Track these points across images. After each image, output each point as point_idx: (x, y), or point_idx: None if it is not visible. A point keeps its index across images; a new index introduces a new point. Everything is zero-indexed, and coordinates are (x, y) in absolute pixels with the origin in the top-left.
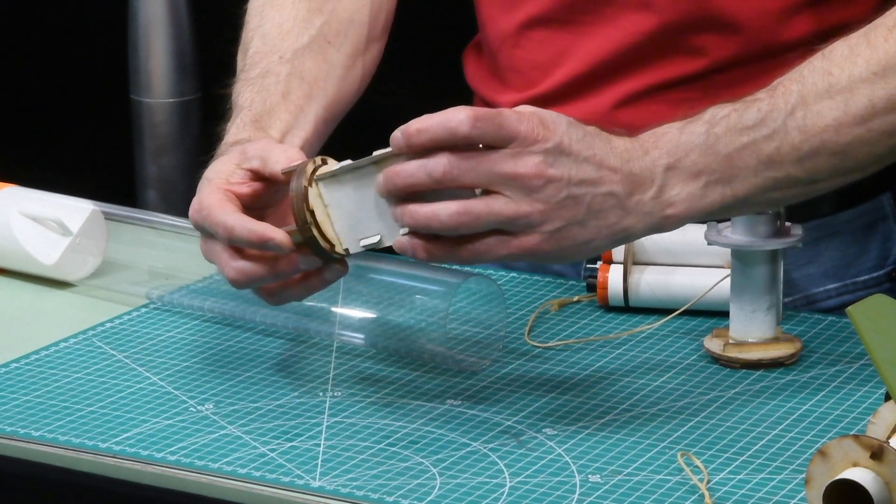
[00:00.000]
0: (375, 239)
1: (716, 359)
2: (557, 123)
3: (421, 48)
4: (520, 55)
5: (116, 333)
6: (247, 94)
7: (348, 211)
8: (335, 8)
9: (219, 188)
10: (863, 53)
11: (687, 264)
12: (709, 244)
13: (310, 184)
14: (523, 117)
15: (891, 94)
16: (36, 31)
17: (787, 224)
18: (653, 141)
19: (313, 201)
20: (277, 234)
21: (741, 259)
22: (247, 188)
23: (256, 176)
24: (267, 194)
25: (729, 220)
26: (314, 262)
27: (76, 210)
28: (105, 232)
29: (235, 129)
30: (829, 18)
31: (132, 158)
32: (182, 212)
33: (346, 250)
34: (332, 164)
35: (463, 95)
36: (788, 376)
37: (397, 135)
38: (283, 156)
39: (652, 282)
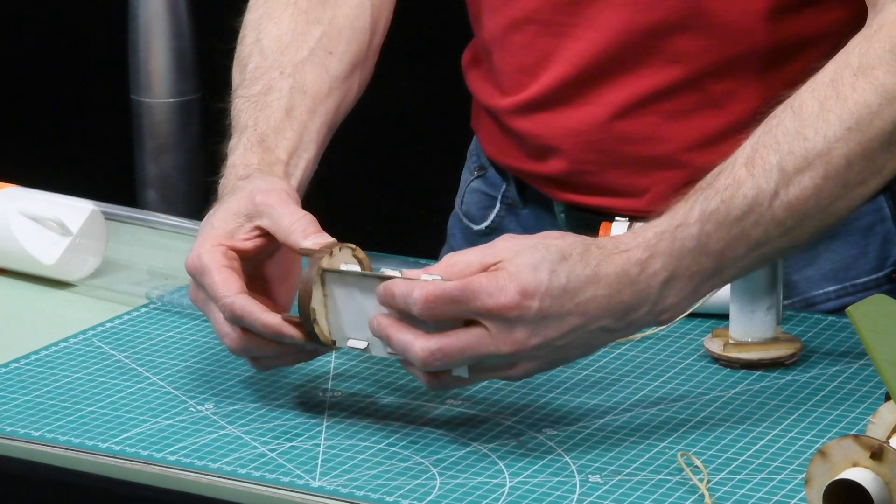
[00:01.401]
0: (362, 345)
1: (716, 359)
2: (538, 285)
3: (422, 49)
4: (506, 58)
5: (116, 333)
6: (249, 111)
7: (344, 309)
8: (335, 16)
9: (221, 244)
10: (834, 109)
11: None
12: None
13: (319, 273)
14: (502, 292)
15: (865, 149)
16: (36, 31)
17: None
18: (648, 255)
19: (316, 290)
20: (292, 331)
21: None
22: (250, 244)
23: (263, 232)
24: (268, 248)
25: None
26: (312, 343)
27: (76, 210)
28: (105, 232)
29: (242, 151)
30: (817, 23)
31: (132, 158)
32: (182, 212)
33: (334, 342)
34: (347, 255)
35: (463, 97)
36: (788, 376)
37: (380, 291)
38: (306, 229)
39: None
